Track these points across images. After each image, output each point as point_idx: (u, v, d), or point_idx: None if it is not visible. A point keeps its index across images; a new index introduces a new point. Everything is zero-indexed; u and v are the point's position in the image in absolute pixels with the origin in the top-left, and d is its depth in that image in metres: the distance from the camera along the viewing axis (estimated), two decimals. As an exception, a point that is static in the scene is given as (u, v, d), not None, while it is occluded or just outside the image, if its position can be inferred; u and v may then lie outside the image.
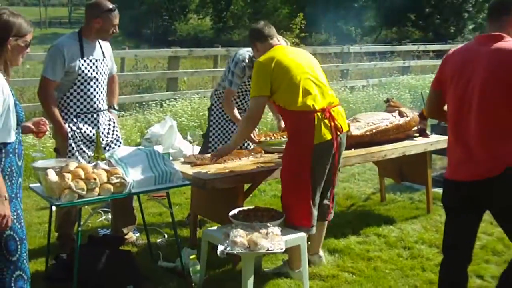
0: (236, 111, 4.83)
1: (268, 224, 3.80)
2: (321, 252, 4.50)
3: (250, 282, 3.69)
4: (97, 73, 4.45)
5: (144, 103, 9.24)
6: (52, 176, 3.65)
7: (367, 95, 11.35)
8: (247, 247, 3.62)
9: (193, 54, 11.30)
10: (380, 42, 26.52)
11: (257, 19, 22.23)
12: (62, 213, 4.50)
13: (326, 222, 4.40)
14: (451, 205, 3.36)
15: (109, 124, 4.65)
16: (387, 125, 5.16)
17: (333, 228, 4.93)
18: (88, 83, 4.41)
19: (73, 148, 4.41)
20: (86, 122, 4.47)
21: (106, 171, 3.78)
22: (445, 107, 3.43)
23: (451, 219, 3.37)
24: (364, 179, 7.02)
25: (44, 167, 3.81)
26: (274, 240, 3.66)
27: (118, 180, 3.75)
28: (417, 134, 5.53)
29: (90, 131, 4.45)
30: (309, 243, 4.46)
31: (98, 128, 4.51)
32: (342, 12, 27.12)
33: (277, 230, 3.76)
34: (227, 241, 3.64)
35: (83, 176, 3.65)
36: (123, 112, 8.61)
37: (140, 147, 4.37)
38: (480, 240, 4.82)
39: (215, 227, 4.21)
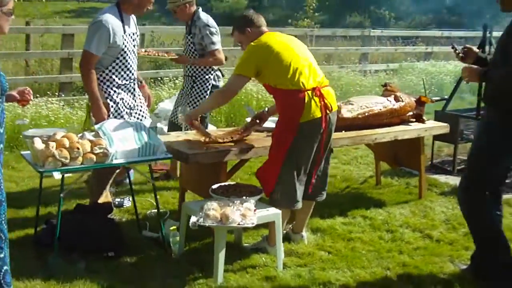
0: None
1: (243, 199, 3.91)
2: (304, 232, 4.61)
3: (222, 254, 3.82)
4: (134, 46, 4.73)
5: (159, 78, 9.39)
6: (38, 144, 3.82)
7: (379, 79, 11.27)
8: (219, 220, 3.74)
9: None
10: (414, 27, 26.16)
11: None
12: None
13: (313, 203, 4.51)
14: None
15: (139, 92, 4.98)
16: (380, 109, 5.19)
17: (321, 208, 5.01)
18: (129, 57, 4.67)
19: None
20: (126, 92, 4.75)
21: (91, 141, 3.93)
22: None
23: None
24: (366, 162, 7.06)
25: (32, 135, 4.00)
26: (246, 215, 3.77)
27: (101, 150, 3.90)
28: (413, 120, 5.55)
29: (130, 100, 4.78)
30: (294, 222, 4.60)
31: (135, 96, 4.84)
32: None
33: (251, 205, 3.87)
34: (200, 214, 3.77)
35: (67, 145, 3.80)
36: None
37: (128, 120, 4.50)
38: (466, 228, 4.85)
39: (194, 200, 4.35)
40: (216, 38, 5.59)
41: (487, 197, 3.86)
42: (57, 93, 8.49)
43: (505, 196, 5.78)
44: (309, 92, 4.06)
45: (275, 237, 4.16)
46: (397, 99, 5.35)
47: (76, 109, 7.73)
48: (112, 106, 4.67)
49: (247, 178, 6.13)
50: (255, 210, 3.89)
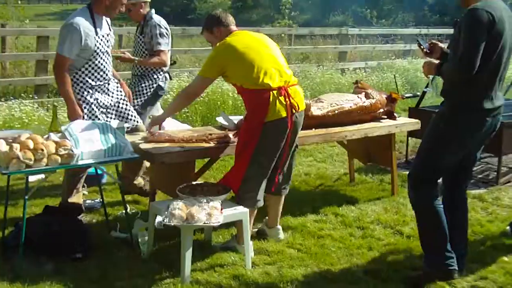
0: None
1: (210, 198, 3.91)
2: (279, 226, 4.63)
3: (188, 254, 3.81)
4: (107, 47, 4.70)
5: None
6: (2, 146, 3.80)
7: (357, 77, 11.27)
8: (185, 220, 3.73)
9: (186, 33, 11.39)
10: (397, 25, 26.30)
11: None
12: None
13: (282, 197, 4.55)
14: None
15: (116, 87, 4.93)
16: (351, 106, 5.21)
17: (293, 206, 5.03)
18: (101, 58, 4.64)
19: None
20: (99, 92, 4.72)
21: (55, 142, 3.90)
22: None
23: None
24: (342, 160, 7.08)
25: (-3, 137, 3.97)
26: (212, 214, 3.77)
27: (66, 151, 3.87)
28: (385, 117, 5.57)
29: (105, 99, 4.75)
30: (267, 218, 4.61)
31: (109, 95, 4.80)
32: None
33: (217, 204, 3.87)
34: (166, 213, 3.76)
35: (31, 147, 3.77)
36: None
37: (95, 121, 4.48)
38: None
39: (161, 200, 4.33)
40: (164, 40, 5.59)
41: (434, 190, 3.90)
42: (31, 95, 8.42)
43: (476, 191, 5.92)
44: (275, 91, 4.05)
45: (241, 237, 4.17)
46: (367, 96, 5.37)
47: (50, 111, 7.67)
48: (85, 107, 4.65)
49: (221, 177, 6.10)
50: (221, 209, 3.89)
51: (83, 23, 4.48)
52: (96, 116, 4.68)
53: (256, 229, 4.66)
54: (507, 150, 6.34)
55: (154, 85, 5.69)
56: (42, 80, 8.78)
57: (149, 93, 5.67)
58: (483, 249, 4.52)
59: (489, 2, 3.63)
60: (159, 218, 3.74)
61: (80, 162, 3.96)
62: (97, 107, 4.71)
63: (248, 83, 4.08)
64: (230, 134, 4.52)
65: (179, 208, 3.77)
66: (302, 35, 13.07)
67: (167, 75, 5.84)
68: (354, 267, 4.15)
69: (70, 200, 4.77)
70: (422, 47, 4.06)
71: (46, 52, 8.79)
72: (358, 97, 5.32)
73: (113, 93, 4.87)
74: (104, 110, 4.77)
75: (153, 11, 5.68)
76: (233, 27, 4.35)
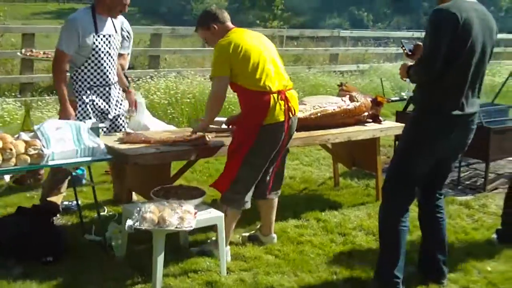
0: None
1: (183, 202, 3.79)
2: (274, 234, 4.57)
3: (160, 259, 3.69)
4: (110, 48, 4.65)
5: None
6: (-31, 145, 3.67)
7: (348, 80, 11.17)
8: (157, 223, 3.62)
9: (176, 33, 11.28)
10: (392, 29, 26.28)
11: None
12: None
13: (275, 202, 4.48)
14: None
15: (119, 97, 4.90)
16: (334, 109, 5.09)
17: (276, 211, 4.90)
18: (102, 58, 4.60)
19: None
20: (98, 95, 4.68)
21: (25, 142, 3.78)
22: None
23: None
24: (328, 164, 6.92)
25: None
26: (185, 218, 3.65)
27: (36, 151, 3.74)
28: (370, 120, 5.45)
29: (102, 103, 4.69)
30: (261, 224, 4.56)
31: (110, 100, 4.74)
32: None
33: (190, 208, 3.76)
34: (137, 216, 3.64)
35: (0, 146, 3.66)
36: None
37: (68, 120, 4.37)
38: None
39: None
40: (125, 44, 5.38)
41: (405, 204, 3.74)
42: (14, 94, 8.30)
43: (463, 198, 5.82)
44: (275, 95, 4.02)
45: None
46: (352, 99, 5.26)
47: (33, 109, 7.55)
48: (80, 106, 4.62)
49: (205, 180, 6.01)
50: (195, 213, 3.77)
51: (81, 20, 4.52)
52: (90, 118, 4.58)
53: (247, 234, 4.57)
54: (495, 156, 6.24)
55: None
56: (27, 78, 8.66)
57: None
58: (466, 258, 4.40)
59: (458, 2, 3.49)
60: (129, 222, 3.62)
61: (51, 163, 3.84)
62: (91, 109, 4.65)
63: (250, 83, 4.03)
64: (210, 136, 4.40)
65: (151, 211, 3.65)
66: (294, 36, 12.94)
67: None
68: (333, 275, 4.04)
69: (48, 199, 4.68)
70: (404, 48, 3.97)
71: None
72: (343, 100, 5.20)
73: (113, 101, 4.80)
74: (99, 114, 4.70)
75: None
76: (230, 24, 4.26)
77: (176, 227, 3.61)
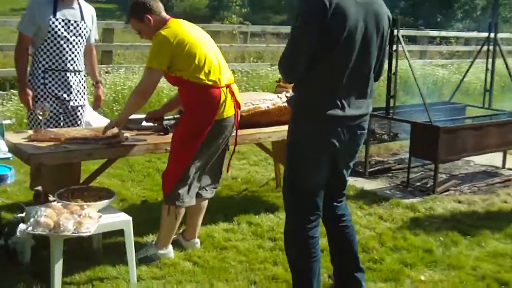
0: None
1: (84, 206, 3.49)
2: (197, 239, 4.32)
3: (58, 266, 3.40)
4: (68, 34, 4.51)
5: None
6: None
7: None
8: (52, 228, 3.32)
9: (130, 28, 10.90)
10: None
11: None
12: None
13: (205, 204, 4.28)
14: None
15: (80, 88, 4.73)
16: (268, 107, 4.80)
17: (206, 213, 4.61)
18: (58, 42, 4.48)
19: (32, 113, 4.54)
20: (53, 79, 4.55)
21: None
22: None
23: None
24: (276, 164, 6.69)
25: None
26: (83, 222, 3.35)
27: None
28: (310, 118, 5.17)
29: (58, 90, 4.55)
30: (185, 228, 4.32)
31: (69, 88, 4.59)
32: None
33: (92, 212, 3.46)
34: (31, 221, 3.34)
35: None
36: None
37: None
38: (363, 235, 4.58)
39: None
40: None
41: (308, 221, 3.33)
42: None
43: (409, 200, 5.57)
44: (224, 89, 3.88)
45: (163, 241, 4.00)
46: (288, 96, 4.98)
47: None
48: (35, 90, 4.54)
49: (141, 179, 5.74)
50: (99, 217, 3.48)
51: (38, 1, 4.47)
52: (42, 102, 4.40)
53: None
54: (445, 157, 6.01)
55: None
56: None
57: None
58: (400, 266, 4.14)
59: None
60: (22, 226, 3.32)
61: None
62: (44, 93, 4.53)
63: (198, 77, 3.79)
64: (127, 134, 4.10)
65: (47, 215, 3.35)
66: (255, 33, 12.60)
67: None
68: (251, 285, 3.76)
69: None
70: None
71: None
72: (278, 97, 4.92)
73: (73, 90, 4.64)
74: (55, 100, 4.56)
75: None
76: (165, 14, 3.97)
77: (72, 233, 3.31)
